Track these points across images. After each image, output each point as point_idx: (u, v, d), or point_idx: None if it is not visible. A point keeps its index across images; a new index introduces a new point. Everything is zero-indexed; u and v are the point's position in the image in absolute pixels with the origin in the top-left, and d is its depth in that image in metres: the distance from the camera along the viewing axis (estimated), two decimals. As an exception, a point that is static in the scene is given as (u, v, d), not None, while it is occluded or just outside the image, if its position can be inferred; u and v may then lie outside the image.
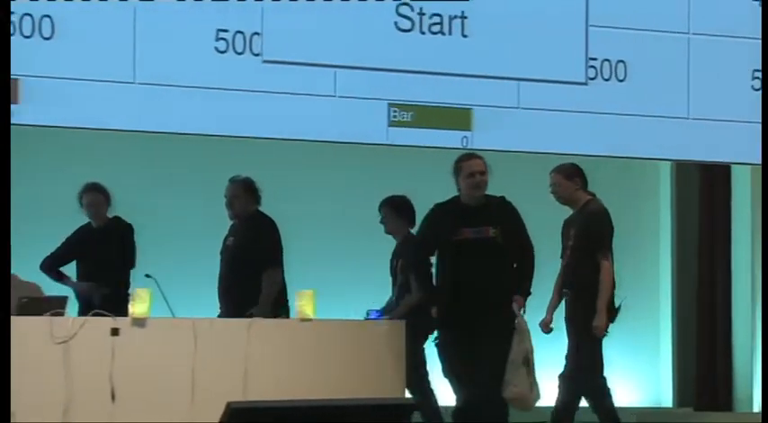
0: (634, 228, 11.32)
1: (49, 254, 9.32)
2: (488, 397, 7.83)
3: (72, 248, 9.37)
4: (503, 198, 8.13)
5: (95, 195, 9.29)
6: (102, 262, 9.16)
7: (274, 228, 9.00)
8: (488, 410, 7.84)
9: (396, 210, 9.03)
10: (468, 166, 7.99)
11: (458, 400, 8.02)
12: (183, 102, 8.62)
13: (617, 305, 8.46)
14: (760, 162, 9.29)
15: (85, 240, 9.34)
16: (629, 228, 10.09)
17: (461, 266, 7.90)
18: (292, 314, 8.49)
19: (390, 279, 8.98)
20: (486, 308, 7.84)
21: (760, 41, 9.38)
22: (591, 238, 8.36)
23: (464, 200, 8.01)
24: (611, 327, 8.50)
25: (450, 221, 7.95)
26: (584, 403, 8.56)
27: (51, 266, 9.28)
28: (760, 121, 9.33)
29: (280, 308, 8.69)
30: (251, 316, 8.32)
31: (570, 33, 9.27)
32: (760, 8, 9.45)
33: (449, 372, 8.05)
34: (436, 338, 8.12)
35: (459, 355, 7.91)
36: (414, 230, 8.84)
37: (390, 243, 9.03)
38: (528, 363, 7.92)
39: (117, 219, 9.38)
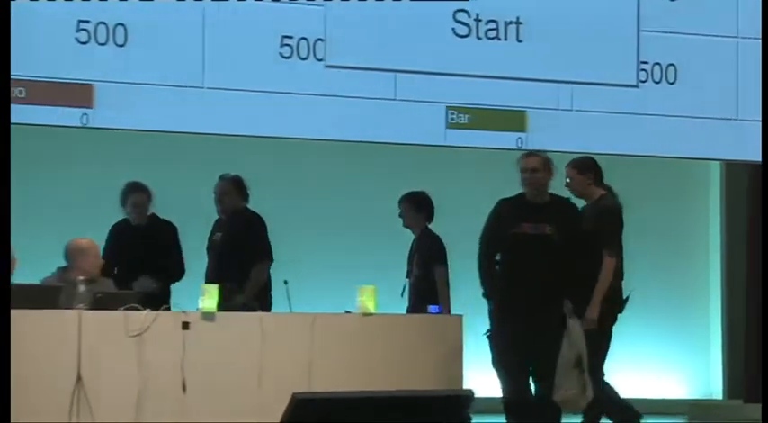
0: (684, 226, 11.27)
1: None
2: (536, 393, 7.80)
3: (116, 250, 9.08)
4: (567, 199, 8.08)
5: (140, 195, 9.09)
6: (145, 259, 8.95)
7: (263, 224, 8.92)
8: (535, 406, 7.80)
9: (415, 205, 8.92)
10: (523, 163, 7.95)
11: (504, 392, 7.94)
12: (249, 105, 8.70)
13: (625, 297, 8.34)
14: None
15: (127, 240, 9.12)
16: (679, 226, 10.07)
17: (517, 260, 7.86)
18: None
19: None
20: (537, 303, 7.80)
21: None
22: (599, 233, 8.22)
23: (527, 197, 7.95)
24: (632, 319, 8.37)
25: (511, 216, 7.90)
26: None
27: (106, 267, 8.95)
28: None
29: (265, 300, 8.69)
30: (243, 305, 8.36)
31: (622, 38, 9.29)
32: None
33: (498, 363, 8.02)
34: (488, 331, 8.10)
35: (510, 348, 7.87)
36: (431, 225, 8.85)
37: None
38: (579, 365, 7.83)
39: (155, 216, 9.22)
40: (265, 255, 8.88)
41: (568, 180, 8.45)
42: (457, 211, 9.49)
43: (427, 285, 8.79)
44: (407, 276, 8.96)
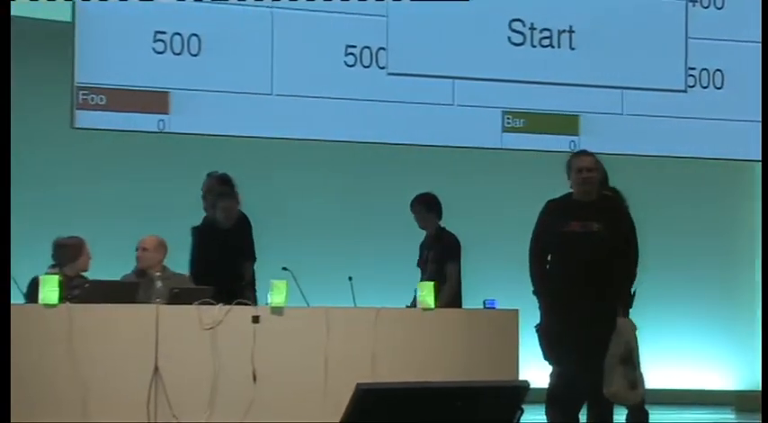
0: (731, 226, 11.19)
1: (192, 265, 8.96)
2: (585, 387, 7.63)
3: (204, 253, 8.93)
4: (614, 196, 8.02)
5: (231, 201, 8.94)
6: (226, 258, 8.79)
7: (250, 224, 8.82)
8: (584, 399, 7.74)
9: (426, 205, 8.84)
10: (578, 162, 7.89)
11: (551, 385, 7.78)
12: (315, 111, 8.73)
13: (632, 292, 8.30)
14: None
15: (213, 241, 8.92)
16: (726, 226, 10.00)
17: (566, 258, 7.78)
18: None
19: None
20: (586, 300, 7.73)
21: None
22: None
23: (575, 196, 7.82)
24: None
25: (560, 215, 7.86)
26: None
27: (195, 269, 8.84)
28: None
29: (252, 296, 8.59)
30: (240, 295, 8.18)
31: (671, 45, 9.26)
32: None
33: (549, 356, 7.97)
34: (538, 325, 8.06)
35: (558, 343, 7.70)
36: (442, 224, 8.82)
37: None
38: (627, 361, 7.73)
39: (244, 216, 9.09)
40: (251, 254, 8.78)
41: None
42: (501, 211, 9.55)
43: (441, 281, 8.68)
44: (421, 273, 8.88)
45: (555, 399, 7.74)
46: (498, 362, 8.00)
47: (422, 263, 8.92)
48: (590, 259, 7.72)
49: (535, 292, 7.96)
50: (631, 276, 7.72)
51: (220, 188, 8.95)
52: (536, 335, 8.02)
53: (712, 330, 9.37)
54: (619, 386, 7.57)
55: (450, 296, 8.59)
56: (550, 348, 7.86)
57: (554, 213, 7.78)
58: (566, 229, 7.70)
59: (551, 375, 7.87)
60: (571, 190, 7.84)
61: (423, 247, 8.95)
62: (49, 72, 9.44)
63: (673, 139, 9.23)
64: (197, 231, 9.00)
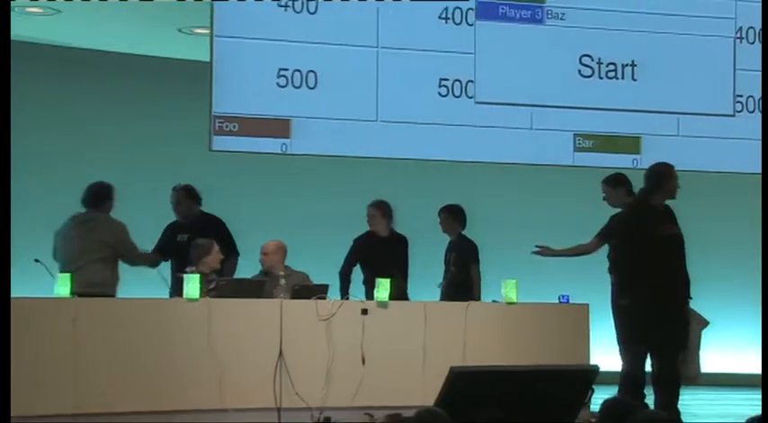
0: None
1: (344, 264, 8.94)
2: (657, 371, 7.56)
3: (358, 257, 8.91)
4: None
5: (375, 209, 8.93)
6: (385, 265, 8.52)
7: (224, 224, 8.63)
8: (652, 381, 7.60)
9: (453, 214, 8.98)
10: (674, 172, 7.65)
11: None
12: (413, 135, 8.72)
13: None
14: None
15: (369, 247, 8.91)
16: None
17: (657, 257, 7.46)
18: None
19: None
20: (666, 293, 7.47)
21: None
22: None
23: (653, 202, 7.58)
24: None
25: (648, 220, 7.54)
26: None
27: (348, 273, 8.88)
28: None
29: None
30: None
31: (721, 75, 9.17)
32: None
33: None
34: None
35: (635, 333, 7.62)
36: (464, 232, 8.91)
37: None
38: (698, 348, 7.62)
39: (394, 230, 8.96)
40: (232, 250, 8.58)
41: (604, 195, 8.31)
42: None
43: (462, 280, 8.82)
44: (445, 272, 8.98)
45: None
46: (571, 349, 8.00)
47: (446, 263, 9.02)
48: (676, 258, 7.58)
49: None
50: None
51: (380, 201, 8.93)
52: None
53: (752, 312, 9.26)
54: (697, 367, 7.49)
55: (478, 291, 8.71)
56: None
57: (641, 219, 7.56)
58: (657, 233, 7.49)
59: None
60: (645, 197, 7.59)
61: (446, 250, 9.06)
62: (190, 104, 9.57)
63: (722, 157, 9.16)
64: (358, 241, 8.95)
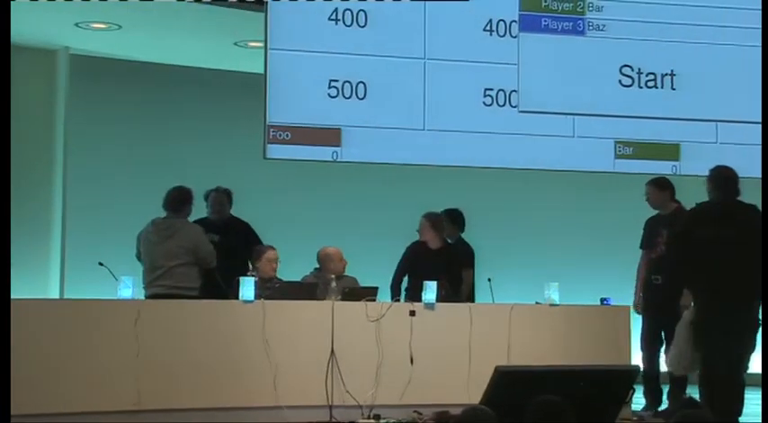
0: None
1: (395, 275, 8.63)
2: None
3: (408, 268, 8.63)
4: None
5: (425, 220, 8.68)
6: (432, 275, 8.17)
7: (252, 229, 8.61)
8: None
9: (451, 218, 8.86)
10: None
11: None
12: (459, 142, 8.70)
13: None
14: None
15: (419, 259, 8.60)
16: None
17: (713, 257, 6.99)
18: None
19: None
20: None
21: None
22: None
23: (711, 205, 7.15)
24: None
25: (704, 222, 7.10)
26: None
27: (399, 282, 8.57)
28: None
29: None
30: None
31: (755, 85, 9.01)
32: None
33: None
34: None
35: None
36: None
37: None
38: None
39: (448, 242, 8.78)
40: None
41: (647, 196, 8.25)
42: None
43: (456, 282, 8.58)
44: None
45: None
46: (613, 349, 7.93)
47: None
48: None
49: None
50: None
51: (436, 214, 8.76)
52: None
53: None
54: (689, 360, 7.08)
55: (466, 295, 8.55)
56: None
57: (697, 221, 7.12)
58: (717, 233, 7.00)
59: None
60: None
61: None
62: (245, 113, 9.59)
63: (758, 163, 9.09)
64: (409, 250, 8.69)
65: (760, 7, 9.09)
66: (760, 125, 8.94)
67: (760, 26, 9.11)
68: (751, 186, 8.96)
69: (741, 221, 6.96)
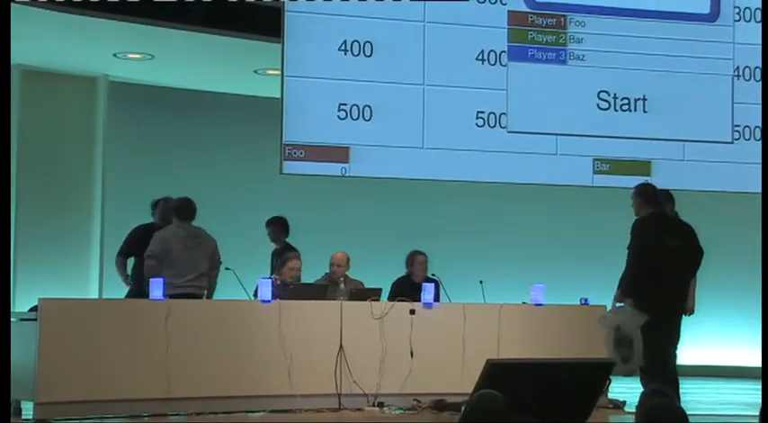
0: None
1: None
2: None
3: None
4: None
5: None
6: None
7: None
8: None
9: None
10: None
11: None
12: (454, 160, 8.69)
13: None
14: None
15: (405, 289, 8.34)
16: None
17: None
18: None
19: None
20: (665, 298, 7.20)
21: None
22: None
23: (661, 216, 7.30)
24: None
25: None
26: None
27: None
28: None
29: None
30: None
31: (721, 108, 9.08)
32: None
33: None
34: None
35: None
36: None
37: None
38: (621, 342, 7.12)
39: None
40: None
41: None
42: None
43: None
44: None
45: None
46: (591, 344, 7.75)
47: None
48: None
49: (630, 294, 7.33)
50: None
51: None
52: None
53: (749, 312, 9.06)
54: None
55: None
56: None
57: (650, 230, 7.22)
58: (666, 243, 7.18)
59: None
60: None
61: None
62: (261, 134, 9.63)
63: (722, 179, 9.07)
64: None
65: (720, 39, 9.10)
66: (723, 144, 8.98)
67: (724, 57, 9.13)
68: (746, 199, 8.94)
69: (685, 233, 7.19)
